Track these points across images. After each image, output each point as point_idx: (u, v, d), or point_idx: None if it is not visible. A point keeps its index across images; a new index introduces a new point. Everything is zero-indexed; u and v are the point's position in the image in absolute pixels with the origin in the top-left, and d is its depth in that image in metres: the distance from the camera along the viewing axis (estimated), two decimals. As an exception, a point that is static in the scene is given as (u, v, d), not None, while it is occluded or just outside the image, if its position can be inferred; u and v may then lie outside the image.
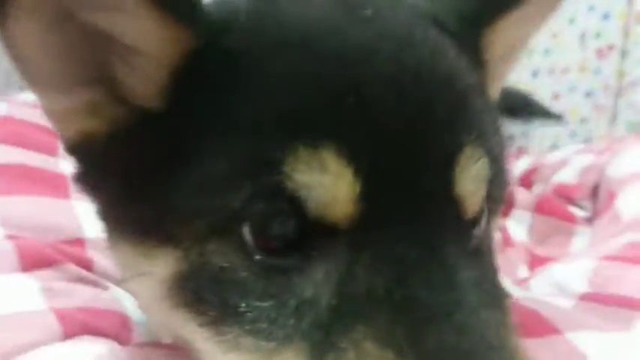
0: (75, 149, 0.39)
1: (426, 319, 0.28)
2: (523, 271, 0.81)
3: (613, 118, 1.53)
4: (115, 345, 0.46)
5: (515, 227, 0.88)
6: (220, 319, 0.32)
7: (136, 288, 0.39)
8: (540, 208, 0.88)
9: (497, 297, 0.33)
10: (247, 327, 0.31)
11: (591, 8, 1.53)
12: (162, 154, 0.34)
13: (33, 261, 0.55)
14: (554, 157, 1.16)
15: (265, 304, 0.31)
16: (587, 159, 1.02)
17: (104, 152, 0.37)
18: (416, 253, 0.30)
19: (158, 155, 0.34)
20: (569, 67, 1.56)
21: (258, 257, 0.31)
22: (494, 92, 0.45)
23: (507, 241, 0.85)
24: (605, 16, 1.53)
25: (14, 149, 0.76)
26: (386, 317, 0.29)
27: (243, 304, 0.31)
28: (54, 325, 0.47)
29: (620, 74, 1.54)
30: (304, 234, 0.31)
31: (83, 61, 0.35)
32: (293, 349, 0.30)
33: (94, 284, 0.58)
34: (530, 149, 1.46)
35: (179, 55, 0.34)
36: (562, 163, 1.09)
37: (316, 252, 0.31)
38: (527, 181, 1.18)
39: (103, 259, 0.62)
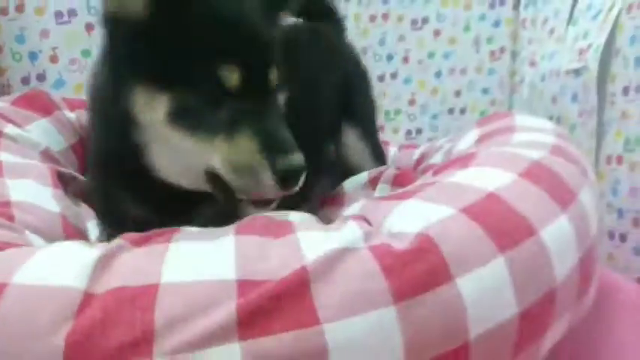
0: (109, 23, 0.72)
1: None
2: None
3: (508, 110, 1.73)
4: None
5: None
6: None
7: None
8: (396, 181, 1.04)
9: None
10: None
11: (482, 17, 1.76)
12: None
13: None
14: (436, 144, 1.35)
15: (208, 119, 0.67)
16: (449, 144, 1.20)
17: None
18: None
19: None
20: (467, 68, 1.77)
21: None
22: None
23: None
24: (496, 24, 1.76)
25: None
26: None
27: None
28: None
29: (512, 73, 1.75)
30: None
31: None
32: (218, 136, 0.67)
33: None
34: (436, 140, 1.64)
35: None
36: (438, 149, 1.27)
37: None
38: (419, 163, 1.37)
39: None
